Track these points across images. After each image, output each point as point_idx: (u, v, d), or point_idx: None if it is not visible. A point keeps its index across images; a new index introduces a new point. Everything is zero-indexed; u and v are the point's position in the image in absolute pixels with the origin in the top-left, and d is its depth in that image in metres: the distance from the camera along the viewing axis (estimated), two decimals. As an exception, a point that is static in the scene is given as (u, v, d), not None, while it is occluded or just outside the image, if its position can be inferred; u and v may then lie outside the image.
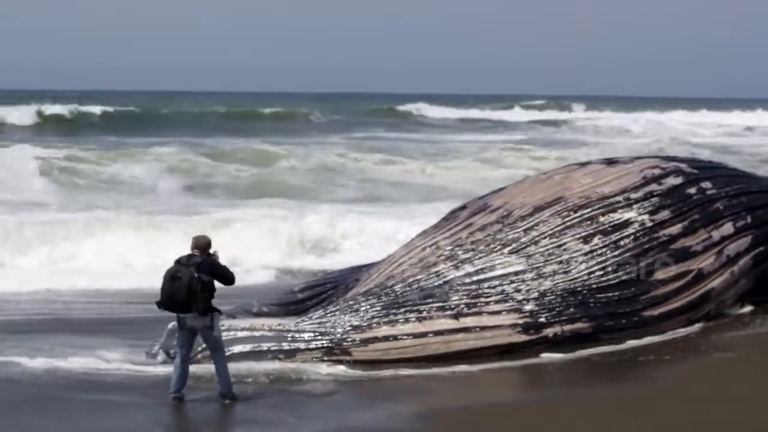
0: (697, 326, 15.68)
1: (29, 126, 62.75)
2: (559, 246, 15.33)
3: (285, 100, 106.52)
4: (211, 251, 12.47)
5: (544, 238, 15.42)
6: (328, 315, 14.75)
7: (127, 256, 21.61)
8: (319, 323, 14.58)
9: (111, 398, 12.71)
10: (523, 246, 15.36)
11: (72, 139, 49.39)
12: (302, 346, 14.30)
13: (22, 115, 65.13)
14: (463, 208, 16.79)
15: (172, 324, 14.61)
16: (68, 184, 33.71)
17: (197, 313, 12.19)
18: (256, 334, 14.45)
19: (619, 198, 15.85)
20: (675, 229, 15.78)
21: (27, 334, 15.61)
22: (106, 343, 14.91)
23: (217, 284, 12.37)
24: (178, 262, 12.31)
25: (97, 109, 71.96)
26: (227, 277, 12.42)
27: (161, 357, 14.44)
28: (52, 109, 68.57)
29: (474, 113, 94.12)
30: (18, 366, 13.76)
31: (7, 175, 33.93)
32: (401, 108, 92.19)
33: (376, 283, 15.44)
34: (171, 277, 12.18)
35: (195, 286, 12.05)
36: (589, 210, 15.67)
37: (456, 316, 14.53)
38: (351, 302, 14.97)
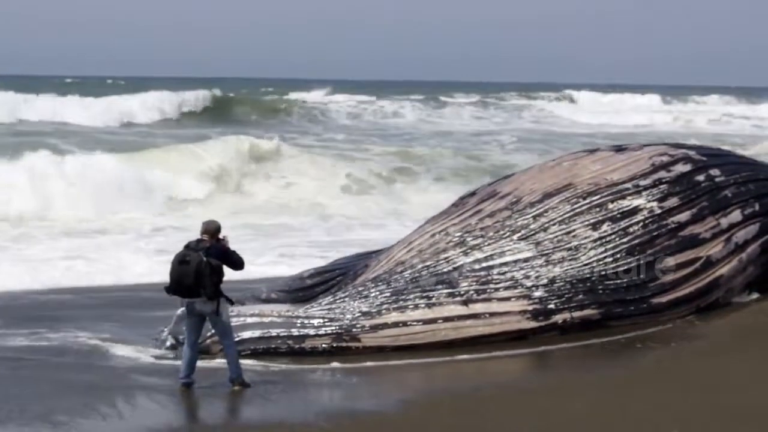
0: (704, 314, 15.64)
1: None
2: (569, 233, 15.30)
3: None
4: (221, 236, 12.46)
5: (554, 224, 15.39)
6: (338, 301, 14.74)
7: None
8: (329, 309, 14.57)
9: (120, 383, 12.74)
10: (533, 232, 15.34)
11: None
12: (311, 332, 14.30)
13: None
14: (472, 194, 16.76)
15: (181, 310, 14.63)
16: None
17: (205, 297, 12.18)
18: (266, 320, 14.45)
19: (628, 185, 15.81)
20: (683, 217, 15.73)
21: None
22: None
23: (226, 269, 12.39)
24: (187, 246, 12.30)
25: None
26: (236, 262, 12.41)
27: (169, 343, 14.45)
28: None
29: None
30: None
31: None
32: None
33: (385, 269, 15.43)
34: (179, 261, 12.17)
35: (203, 271, 12.04)
36: (598, 197, 15.63)
37: (465, 303, 14.53)
38: (360, 288, 14.97)
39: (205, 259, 12.05)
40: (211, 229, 12.38)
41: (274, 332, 14.30)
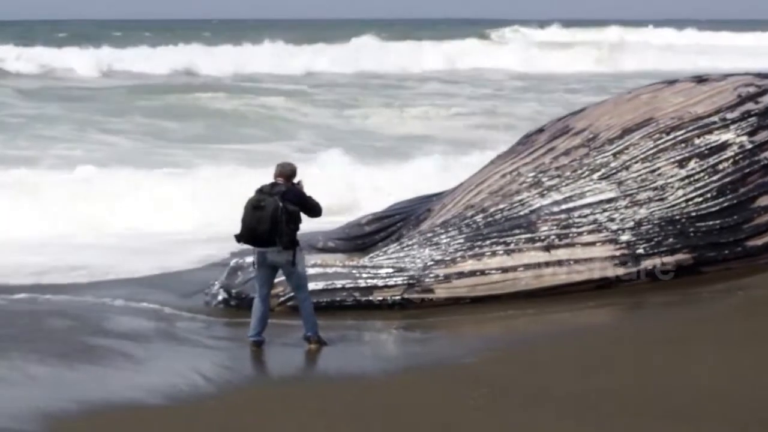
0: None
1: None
2: (653, 171, 14.02)
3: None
4: (296, 180, 11.18)
5: (636, 162, 14.11)
6: (405, 249, 13.50)
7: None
8: (397, 258, 13.32)
9: (182, 341, 11.61)
10: (614, 171, 14.05)
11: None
12: (380, 283, 13.05)
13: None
14: (540, 131, 15.45)
15: (234, 261, 13.48)
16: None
17: (281, 246, 10.90)
18: (329, 270, 13.21)
19: (715, 118, 14.48)
20: (776, 151, 14.43)
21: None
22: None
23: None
24: (261, 190, 11.02)
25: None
26: (314, 208, 11.14)
27: (222, 297, 13.22)
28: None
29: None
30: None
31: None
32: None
33: (453, 213, 14.17)
34: (253, 206, 10.88)
35: (280, 217, 10.77)
36: (682, 132, 14.31)
37: (547, 248, 13.28)
38: (429, 235, 13.71)
39: (281, 204, 10.77)
40: (287, 172, 11.10)
41: (339, 284, 13.05)
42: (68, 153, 25.26)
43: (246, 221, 10.90)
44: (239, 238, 11.03)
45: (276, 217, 10.73)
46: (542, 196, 13.95)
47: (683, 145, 14.22)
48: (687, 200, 13.82)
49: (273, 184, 11.01)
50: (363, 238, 15.07)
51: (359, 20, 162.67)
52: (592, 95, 36.81)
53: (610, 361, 10.61)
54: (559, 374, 10.28)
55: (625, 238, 13.48)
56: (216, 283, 13.41)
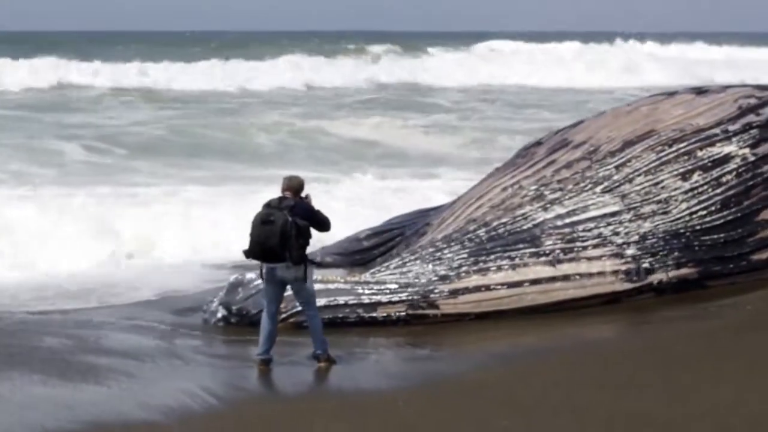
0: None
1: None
2: (656, 184, 13.88)
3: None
4: (303, 194, 10.93)
5: (639, 175, 13.96)
6: (408, 264, 13.26)
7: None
8: (400, 273, 13.08)
9: (188, 360, 11.32)
10: (617, 184, 13.90)
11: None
12: (383, 299, 12.81)
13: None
14: (538, 144, 15.28)
15: (234, 277, 13.18)
16: None
17: (290, 262, 10.64)
18: (331, 287, 12.95)
19: (717, 130, 14.37)
20: (779, 164, 14.31)
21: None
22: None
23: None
24: (268, 205, 10.76)
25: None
26: (323, 222, 10.89)
27: (221, 314, 12.93)
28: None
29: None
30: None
31: None
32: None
33: (454, 228, 13.94)
34: (262, 221, 10.62)
35: (289, 231, 10.51)
36: (685, 144, 14.19)
37: (552, 263, 13.09)
38: (431, 249, 13.47)
39: (290, 218, 10.52)
40: (295, 185, 10.85)
41: (341, 300, 12.81)
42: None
43: (255, 236, 10.64)
44: (248, 253, 10.76)
45: (285, 231, 10.48)
46: (545, 209, 13.76)
47: (686, 157, 14.10)
48: (691, 213, 13.69)
49: (281, 198, 10.77)
50: (361, 253, 14.84)
51: (354, 32, 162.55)
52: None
53: (622, 375, 10.49)
54: (570, 390, 10.12)
55: (630, 252, 13.32)
56: (215, 300, 13.11)
